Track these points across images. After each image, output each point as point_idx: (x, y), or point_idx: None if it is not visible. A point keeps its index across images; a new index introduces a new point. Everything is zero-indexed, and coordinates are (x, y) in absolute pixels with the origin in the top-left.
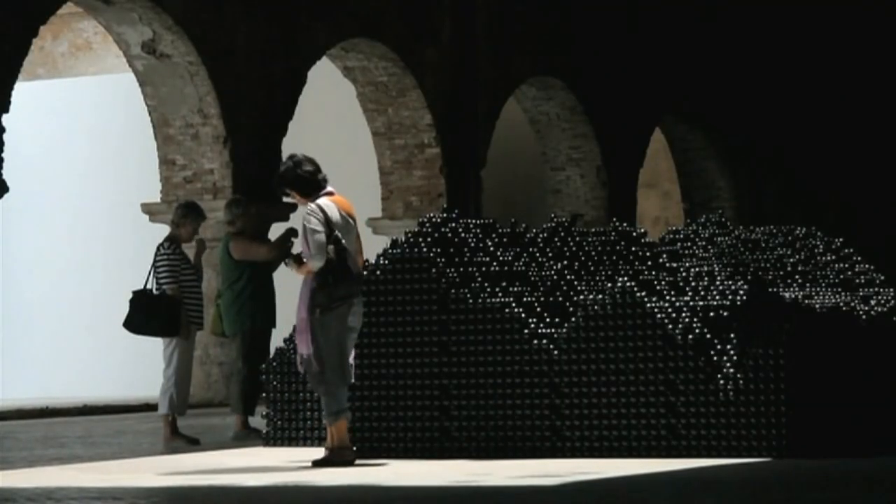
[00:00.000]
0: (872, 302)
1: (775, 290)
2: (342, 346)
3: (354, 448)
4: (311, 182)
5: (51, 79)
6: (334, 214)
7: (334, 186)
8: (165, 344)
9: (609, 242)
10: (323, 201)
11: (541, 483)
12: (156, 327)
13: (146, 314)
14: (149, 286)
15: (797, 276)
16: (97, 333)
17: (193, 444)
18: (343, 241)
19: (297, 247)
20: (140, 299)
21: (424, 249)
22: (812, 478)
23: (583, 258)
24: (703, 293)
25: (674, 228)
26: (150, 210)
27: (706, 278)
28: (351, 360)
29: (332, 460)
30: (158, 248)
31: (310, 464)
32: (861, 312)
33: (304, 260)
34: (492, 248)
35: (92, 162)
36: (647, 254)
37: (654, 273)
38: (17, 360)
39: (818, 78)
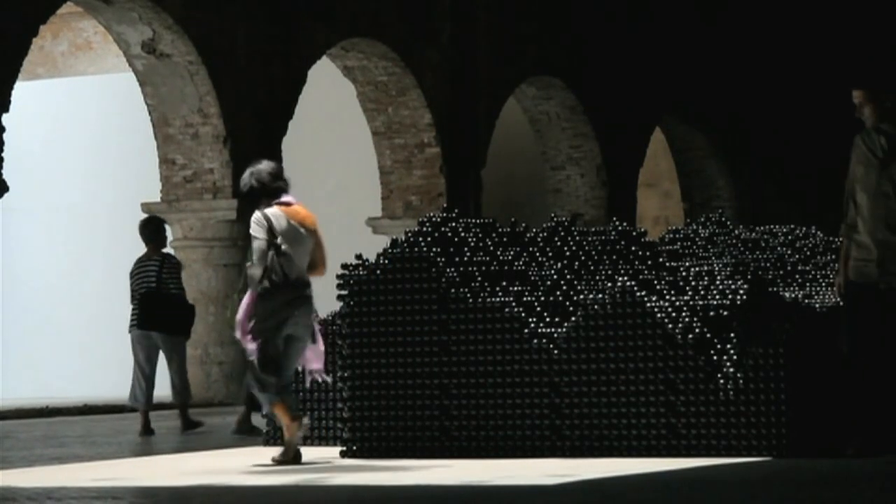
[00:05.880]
0: None
1: (775, 289)
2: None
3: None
4: (261, 192)
5: (51, 78)
6: (280, 223)
7: (334, 186)
8: (166, 343)
9: (609, 242)
10: (271, 210)
11: (541, 483)
12: (187, 327)
13: (182, 312)
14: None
15: (797, 276)
16: (97, 333)
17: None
18: (283, 248)
19: None
20: (177, 301)
21: (424, 249)
22: (812, 478)
23: (583, 258)
24: (703, 293)
25: (674, 228)
26: (150, 210)
27: (706, 278)
28: (306, 365)
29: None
30: (171, 256)
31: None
32: None
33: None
34: (492, 248)
35: (92, 162)
36: (647, 253)
37: (654, 273)
38: (17, 360)
39: (818, 78)
